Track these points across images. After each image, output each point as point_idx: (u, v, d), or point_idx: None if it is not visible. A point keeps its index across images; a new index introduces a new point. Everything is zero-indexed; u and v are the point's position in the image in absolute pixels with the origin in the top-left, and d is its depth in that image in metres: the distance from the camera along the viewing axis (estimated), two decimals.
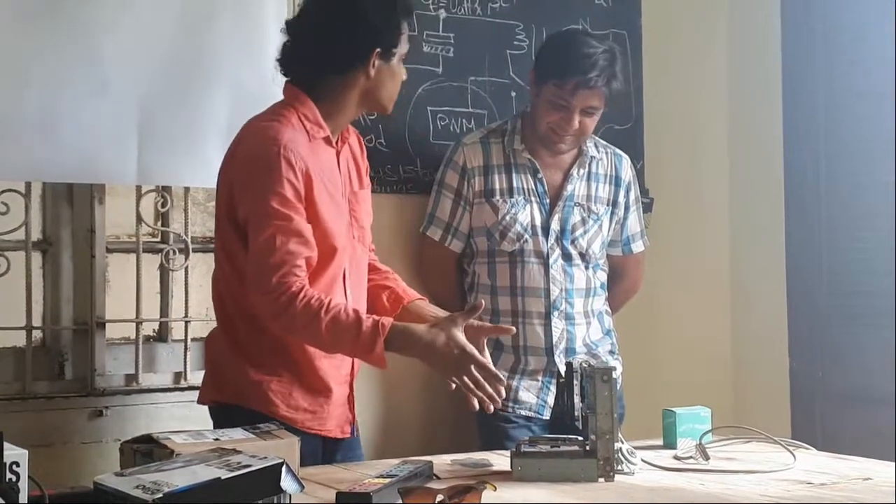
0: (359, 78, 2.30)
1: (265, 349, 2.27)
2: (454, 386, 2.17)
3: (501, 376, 2.15)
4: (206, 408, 2.38)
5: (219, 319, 2.37)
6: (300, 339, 2.23)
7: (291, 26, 2.37)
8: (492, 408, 2.14)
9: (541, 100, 2.85)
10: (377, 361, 2.17)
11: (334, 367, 2.31)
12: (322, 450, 2.31)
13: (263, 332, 2.25)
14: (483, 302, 2.23)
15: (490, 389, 2.12)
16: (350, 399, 2.37)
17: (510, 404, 2.87)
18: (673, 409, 2.40)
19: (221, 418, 2.30)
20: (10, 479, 1.53)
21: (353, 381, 2.37)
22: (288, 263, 2.16)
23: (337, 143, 2.36)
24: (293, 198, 2.19)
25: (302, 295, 2.15)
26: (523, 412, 2.88)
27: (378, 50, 2.29)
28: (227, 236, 2.28)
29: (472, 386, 2.12)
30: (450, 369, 2.15)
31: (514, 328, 2.30)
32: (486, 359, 2.17)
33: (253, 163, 2.23)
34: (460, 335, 2.14)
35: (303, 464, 2.03)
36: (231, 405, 2.29)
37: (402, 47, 2.35)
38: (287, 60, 2.35)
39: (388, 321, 2.16)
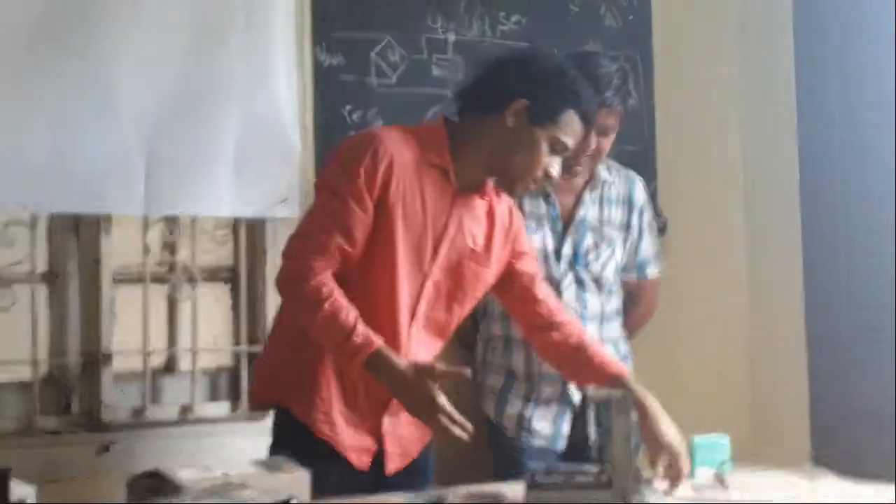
0: (496, 123, 2.26)
1: (302, 347, 2.27)
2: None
3: (467, 426, 2.12)
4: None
5: (277, 316, 2.43)
6: (295, 313, 2.25)
7: (478, 66, 2.38)
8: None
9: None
10: (350, 371, 2.21)
11: (360, 389, 2.29)
12: (351, 479, 2.27)
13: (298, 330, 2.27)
14: (469, 371, 2.20)
15: (457, 432, 2.10)
16: (379, 431, 2.32)
17: (524, 433, 2.83)
18: (691, 436, 2.35)
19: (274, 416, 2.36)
20: None
21: (384, 410, 2.32)
22: (321, 242, 2.19)
23: (463, 190, 2.31)
24: (362, 188, 2.20)
25: (319, 277, 2.16)
26: (537, 442, 2.83)
27: (525, 102, 2.24)
28: None
29: (439, 433, 2.12)
30: (415, 413, 2.16)
31: (468, 371, 2.26)
32: (451, 409, 2.12)
33: (346, 145, 2.30)
34: (433, 387, 2.12)
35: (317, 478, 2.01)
36: (270, 403, 2.35)
37: (560, 131, 2.25)
38: (458, 93, 2.37)
39: (378, 341, 2.15)
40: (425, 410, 2.12)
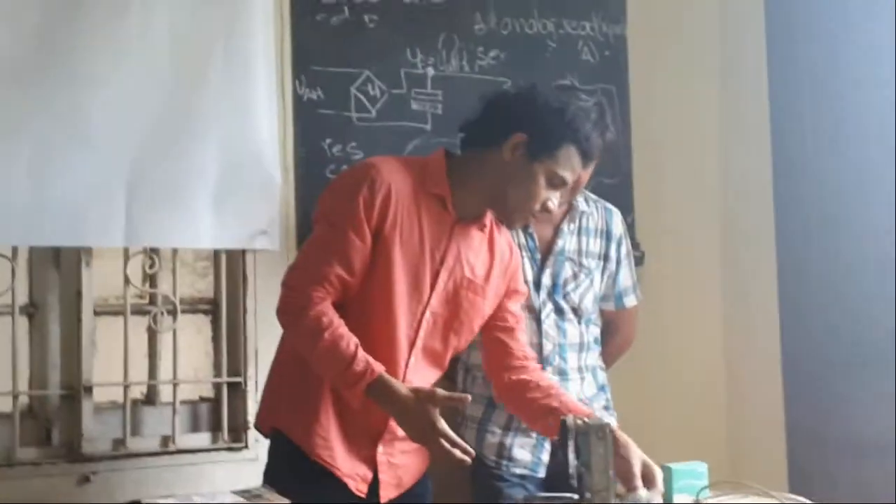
0: (494, 156, 2.29)
1: (301, 373, 2.29)
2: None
3: (469, 450, 2.15)
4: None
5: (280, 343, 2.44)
6: (295, 343, 2.27)
7: (485, 97, 2.39)
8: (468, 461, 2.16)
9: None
10: (351, 398, 2.21)
11: (360, 418, 2.29)
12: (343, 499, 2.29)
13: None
14: (469, 397, 2.22)
15: (459, 457, 2.13)
16: (374, 460, 2.34)
17: (504, 462, 2.84)
18: (669, 464, 2.36)
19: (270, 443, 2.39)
20: None
21: (378, 439, 2.34)
22: (321, 273, 2.21)
23: (463, 220, 2.34)
24: (362, 218, 2.23)
25: (319, 308, 2.19)
26: (518, 470, 2.84)
27: (523, 136, 2.26)
28: None
29: (439, 454, 2.15)
30: (417, 438, 2.19)
31: (468, 397, 2.28)
32: (451, 433, 2.16)
33: (345, 175, 2.36)
34: (434, 413, 2.14)
35: (317, 498, 2.02)
36: (271, 429, 2.37)
37: (558, 166, 2.27)
38: (464, 125, 2.38)
39: (379, 368, 2.17)
40: (427, 435, 2.14)
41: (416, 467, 2.42)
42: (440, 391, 2.19)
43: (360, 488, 2.32)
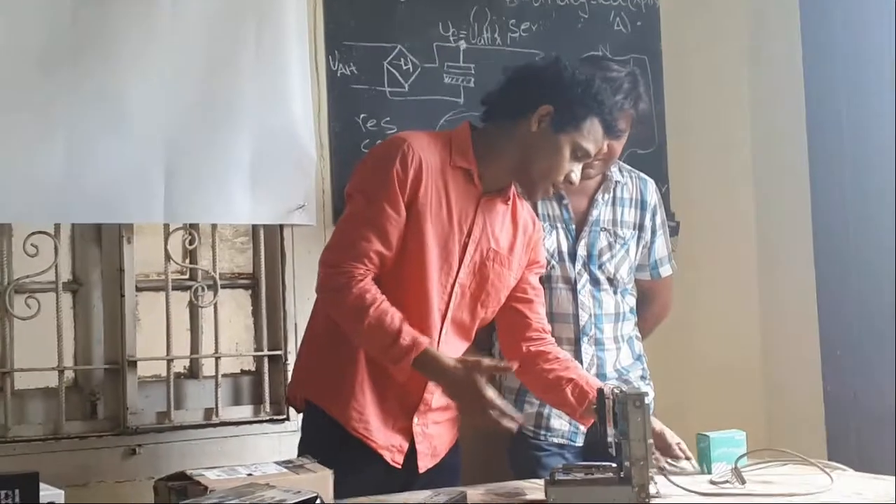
0: (520, 128, 2.31)
1: (337, 346, 2.32)
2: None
3: (517, 416, 2.20)
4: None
5: (311, 319, 2.45)
6: (340, 321, 2.28)
7: (507, 71, 2.42)
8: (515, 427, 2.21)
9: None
10: (398, 374, 2.24)
11: (396, 388, 2.32)
12: (379, 471, 2.32)
13: (334, 328, 2.31)
14: (515, 364, 2.26)
15: (509, 425, 2.17)
16: (411, 431, 2.37)
17: (542, 432, 2.86)
18: (707, 433, 2.38)
19: (304, 412, 2.40)
20: None
21: (415, 411, 2.37)
22: (359, 248, 2.23)
23: (489, 193, 2.36)
24: (396, 191, 2.25)
25: (362, 284, 2.21)
26: (556, 440, 2.86)
27: (551, 109, 2.29)
28: None
29: (489, 422, 2.18)
30: (466, 407, 2.24)
31: (514, 365, 2.31)
32: (501, 401, 2.19)
33: (376, 151, 2.36)
34: (481, 382, 2.18)
35: (352, 474, 2.04)
36: (305, 400, 2.38)
37: (582, 138, 2.31)
38: (486, 98, 2.41)
39: (424, 341, 2.21)
40: (475, 405, 2.17)
41: (449, 436, 2.46)
42: (486, 360, 2.23)
43: (395, 459, 2.36)
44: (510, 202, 2.43)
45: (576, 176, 2.36)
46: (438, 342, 2.34)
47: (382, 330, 2.19)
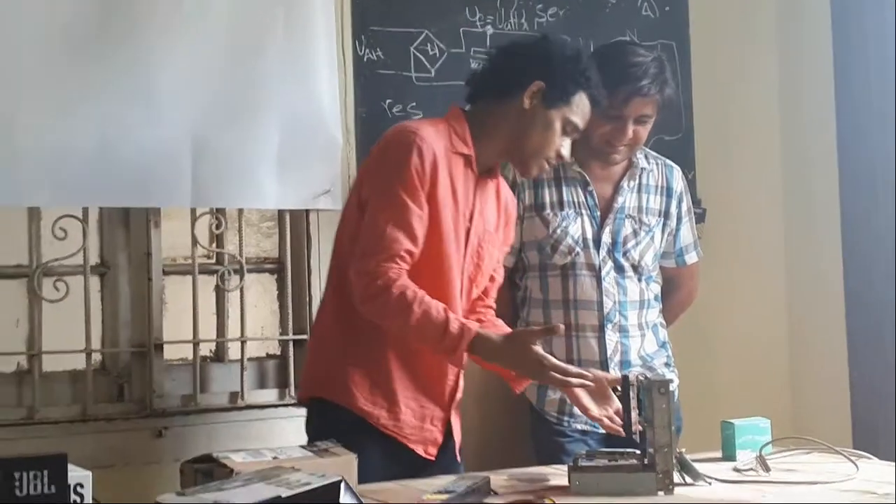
0: (514, 106, 2.33)
1: (356, 344, 2.32)
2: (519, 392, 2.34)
3: (584, 373, 2.24)
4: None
5: (319, 315, 2.44)
6: (387, 325, 2.28)
7: (487, 56, 2.45)
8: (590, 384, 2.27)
9: (592, 113, 2.83)
10: (455, 362, 2.28)
11: (430, 383, 2.34)
12: (407, 465, 2.31)
13: (356, 327, 2.30)
14: (562, 326, 2.28)
15: (576, 382, 2.21)
16: (444, 421, 2.38)
17: (566, 418, 2.86)
18: (731, 420, 2.37)
19: (312, 413, 2.38)
20: (75, 501, 1.55)
21: (451, 402, 2.39)
22: (391, 250, 2.22)
23: (481, 174, 2.38)
24: (417, 186, 2.25)
25: (399, 283, 2.21)
26: (579, 426, 2.86)
27: (542, 85, 2.31)
28: (354, 223, 2.33)
29: (563, 386, 2.25)
30: (533, 377, 2.30)
31: (562, 326, 2.33)
32: (561, 363, 2.23)
33: (386, 147, 2.33)
34: (536, 348, 2.21)
35: (374, 465, 2.06)
36: (318, 399, 2.35)
37: (572, 113, 2.35)
38: (470, 80, 2.43)
39: (474, 326, 2.23)
40: (539, 372, 2.21)
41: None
42: (533, 328, 2.30)
43: (430, 452, 2.37)
44: (496, 180, 2.46)
45: (566, 151, 2.39)
46: None
47: (430, 323, 2.20)
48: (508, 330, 2.47)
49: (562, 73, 2.33)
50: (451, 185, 2.32)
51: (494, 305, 2.58)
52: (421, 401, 2.35)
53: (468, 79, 2.44)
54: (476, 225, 2.39)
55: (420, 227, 2.25)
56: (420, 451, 2.35)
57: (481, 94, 2.40)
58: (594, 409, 2.33)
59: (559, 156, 2.39)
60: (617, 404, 2.33)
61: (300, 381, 2.47)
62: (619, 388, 2.31)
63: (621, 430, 2.28)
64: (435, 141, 2.29)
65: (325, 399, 2.33)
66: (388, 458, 2.27)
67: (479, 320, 2.48)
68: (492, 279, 2.52)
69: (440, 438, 2.38)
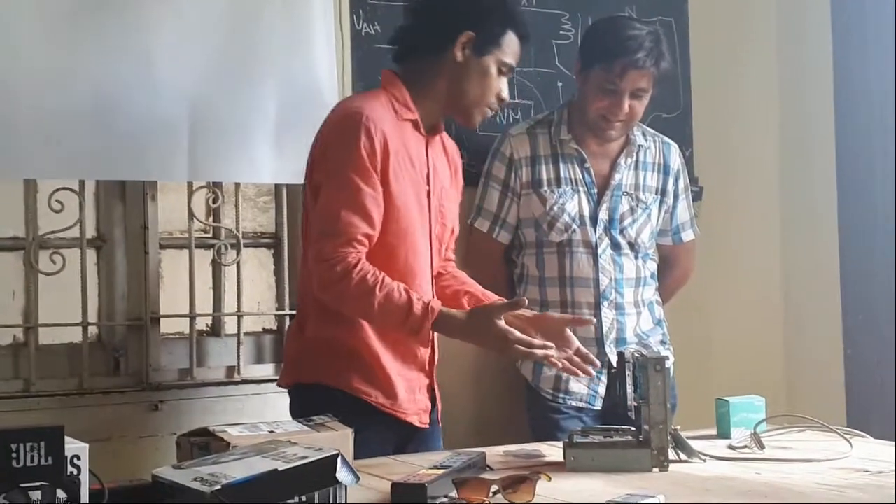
0: (447, 60, 2.33)
1: (339, 328, 2.30)
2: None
3: (548, 343, 2.22)
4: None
5: (300, 302, 2.43)
6: (349, 311, 2.27)
7: (407, 10, 2.42)
8: (558, 365, 2.25)
9: (588, 86, 2.83)
10: (422, 342, 2.29)
11: (408, 354, 2.34)
12: (398, 435, 2.33)
13: (334, 311, 2.28)
14: (526, 299, 2.28)
15: (540, 354, 2.20)
16: (430, 388, 2.40)
17: (561, 395, 2.87)
18: (726, 398, 2.38)
19: (300, 398, 2.35)
20: (72, 472, 1.55)
21: (432, 368, 2.40)
22: (348, 235, 2.21)
23: (427, 134, 2.38)
24: (369, 167, 2.23)
25: (359, 268, 2.20)
26: (574, 403, 2.87)
27: (472, 34, 2.31)
28: (310, 212, 2.32)
29: (528, 359, 2.24)
30: (498, 351, 2.26)
31: (594, 320, 2.33)
32: (525, 336, 2.21)
33: (333, 131, 2.30)
34: (499, 323, 2.20)
35: (372, 444, 2.06)
36: (308, 384, 2.34)
37: (504, 54, 2.35)
38: (397, 40, 2.41)
39: (437, 305, 2.23)
40: (504, 346, 2.20)
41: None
42: (496, 303, 2.28)
43: (423, 421, 2.38)
44: (441, 135, 2.45)
45: (505, 93, 2.39)
46: (433, 296, 2.38)
47: (393, 305, 2.19)
48: (472, 286, 2.49)
49: (488, 18, 2.33)
50: (406, 153, 2.31)
51: (454, 257, 2.57)
52: (409, 374, 2.35)
53: (394, 37, 2.43)
54: (434, 185, 2.39)
55: (376, 209, 2.24)
56: (416, 421, 2.36)
57: (411, 53, 2.39)
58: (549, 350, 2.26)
59: (500, 99, 2.39)
60: (576, 344, 2.32)
61: (283, 368, 2.45)
62: (613, 365, 2.32)
63: (578, 370, 2.28)
64: (381, 115, 2.28)
65: (314, 383, 2.32)
66: (383, 433, 2.28)
67: (439, 274, 2.48)
68: (452, 231, 2.52)
69: (429, 405, 2.40)
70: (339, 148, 2.26)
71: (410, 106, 2.34)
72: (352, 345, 2.31)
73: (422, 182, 2.35)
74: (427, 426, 2.39)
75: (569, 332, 2.34)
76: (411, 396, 2.36)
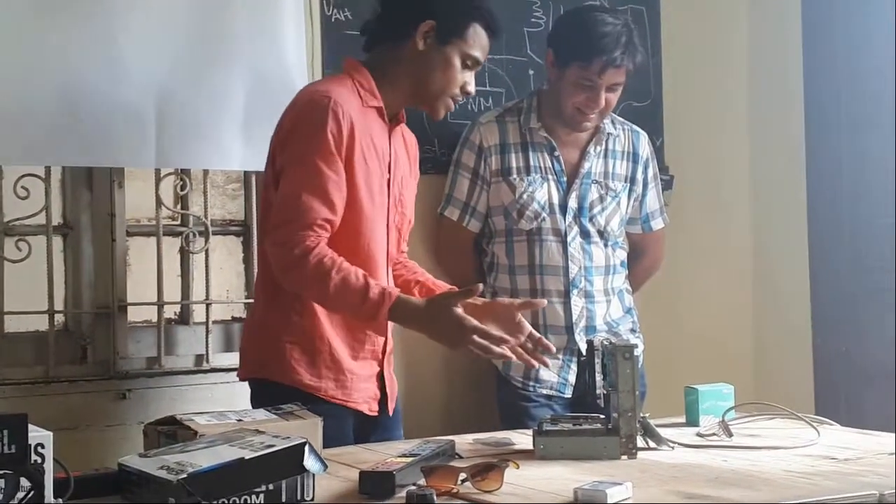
0: (407, 50, 2.32)
1: (291, 318, 2.29)
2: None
3: (505, 337, 2.18)
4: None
5: (256, 290, 2.42)
6: (307, 294, 2.25)
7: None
8: (513, 357, 2.22)
9: (564, 82, 2.83)
10: (378, 329, 2.26)
11: (359, 341, 2.33)
12: (354, 426, 2.33)
13: (285, 301, 2.27)
14: (481, 286, 2.24)
15: (498, 350, 2.16)
16: (380, 376, 2.38)
17: (531, 383, 2.88)
18: (695, 386, 2.39)
19: (258, 392, 2.34)
20: (36, 461, 1.54)
21: (384, 358, 2.38)
22: (307, 218, 2.19)
23: (390, 122, 2.37)
24: (334, 151, 2.22)
25: (316, 252, 2.18)
26: (544, 391, 2.88)
27: (433, 23, 2.30)
28: (271, 197, 2.30)
29: (482, 353, 2.17)
30: (453, 343, 2.20)
31: (544, 301, 2.31)
32: (481, 325, 2.17)
33: (299, 115, 2.28)
34: (457, 310, 2.16)
35: (330, 438, 2.05)
36: (261, 379, 2.32)
37: (468, 46, 2.33)
38: (365, 29, 2.40)
39: (394, 291, 2.21)
40: (460, 337, 2.16)
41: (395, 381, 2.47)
42: (452, 291, 2.26)
43: (373, 409, 2.37)
44: (401, 123, 2.44)
45: (471, 87, 2.38)
46: (389, 282, 2.37)
47: (349, 290, 2.16)
48: (423, 275, 2.49)
49: (450, 8, 2.32)
50: (370, 140, 2.30)
51: (406, 248, 2.55)
52: (361, 363, 2.34)
53: (363, 27, 2.42)
54: (395, 175, 2.38)
55: (338, 194, 2.22)
56: (365, 409, 2.35)
57: (376, 42, 2.38)
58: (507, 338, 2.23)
59: (465, 92, 2.37)
60: (528, 329, 2.30)
61: (240, 361, 2.42)
62: (583, 353, 2.31)
63: (533, 360, 2.25)
64: (348, 99, 2.27)
65: (268, 379, 2.30)
66: (337, 424, 2.23)
67: (394, 264, 2.47)
68: (409, 222, 2.52)
69: (378, 394, 2.38)
70: (304, 132, 2.24)
71: (375, 93, 2.33)
72: (301, 334, 2.29)
73: (383, 170, 2.34)
74: (376, 414, 2.37)
75: (520, 317, 2.31)
76: (363, 385, 2.34)
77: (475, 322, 2.16)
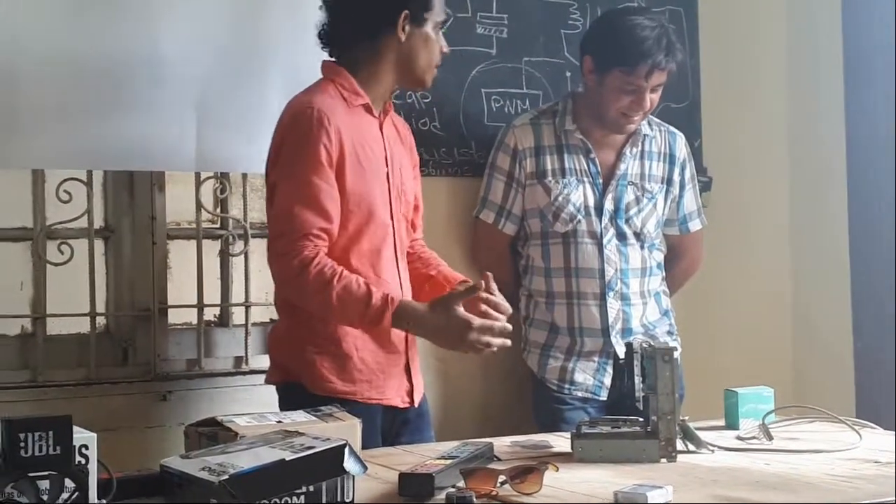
0: (391, 43, 2.33)
1: (315, 327, 2.30)
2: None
3: (504, 325, 2.21)
4: (267, 391, 2.42)
5: (277, 301, 2.42)
6: (309, 306, 2.26)
7: (324, 5, 2.41)
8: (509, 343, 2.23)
9: (606, 88, 2.81)
10: (380, 334, 2.27)
11: (384, 338, 2.33)
12: (384, 421, 2.33)
13: (306, 310, 2.28)
14: (483, 283, 2.25)
15: (499, 342, 2.19)
16: (407, 368, 2.39)
17: (566, 386, 2.87)
18: (734, 388, 2.38)
19: (287, 396, 2.35)
20: (80, 462, 1.56)
21: (408, 349, 2.39)
22: (303, 229, 2.21)
23: (379, 115, 2.39)
24: (324, 162, 2.23)
25: (316, 261, 2.19)
26: (579, 393, 2.87)
27: (407, 12, 2.31)
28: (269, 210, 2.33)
29: (484, 349, 2.19)
30: (455, 344, 2.23)
31: (482, 282, 2.29)
32: (487, 322, 2.20)
33: (287, 128, 2.30)
34: (460, 310, 2.19)
35: (366, 436, 2.05)
36: (294, 382, 2.33)
37: (437, 14, 2.37)
38: (325, 35, 2.40)
39: (396, 296, 2.23)
40: (465, 337, 2.18)
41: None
42: (454, 291, 2.26)
43: (405, 400, 2.39)
44: (390, 114, 2.45)
45: (446, 47, 2.40)
46: (401, 281, 2.37)
47: (352, 298, 2.18)
48: (437, 267, 2.49)
49: None
50: (361, 139, 2.31)
51: (422, 235, 2.56)
52: (390, 360, 2.34)
53: (321, 33, 2.41)
54: (393, 166, 2.39)
55: (331, 203, 2.23)
56: (398, 402, 2.37)
57: (342, 44, 2.38)
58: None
59: (443, 54, 2.40)
60: (500, 306, 2.28)
61: (270, 365, 2.44)
62: (619, 356, 2.30)
63: (498, 336, 2.22)
64: (331, 105, 2.28)
65: (296, 382, 2.32)
66: (367, 422, 2.24)
67: (409, 256, 2.48)
68: (416, 208, 2.52)
69: (408, 385, 2.39)
70: (292, 145, 2.26)
71: (359, 91, 2.34)
72: (327, 341, 2.29)
73: (381, 165, 2.36)
74: (409, 404, 2.38)
75: (485, 299, 2.26)
76: (392, 382, 2.35)
77: (479, 319, 2.19)
